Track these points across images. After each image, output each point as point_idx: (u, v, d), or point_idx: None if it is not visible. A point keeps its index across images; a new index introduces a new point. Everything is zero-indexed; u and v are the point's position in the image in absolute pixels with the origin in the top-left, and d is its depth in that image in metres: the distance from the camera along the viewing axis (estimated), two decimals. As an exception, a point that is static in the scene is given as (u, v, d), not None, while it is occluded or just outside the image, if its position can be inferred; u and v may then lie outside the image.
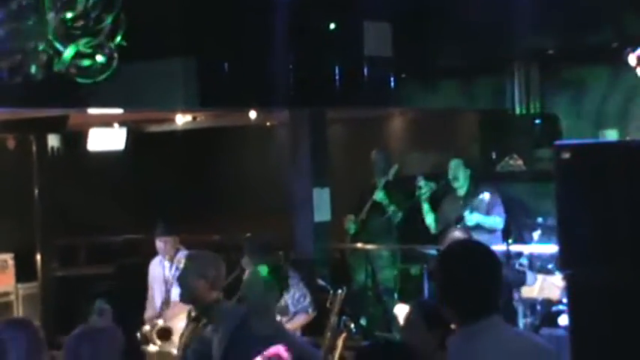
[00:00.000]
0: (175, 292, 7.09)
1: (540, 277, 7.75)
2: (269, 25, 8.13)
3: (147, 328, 7.05)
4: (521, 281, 7.08)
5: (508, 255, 7.78)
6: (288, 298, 6.55)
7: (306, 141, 9.37)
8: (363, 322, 8.99)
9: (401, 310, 6.03)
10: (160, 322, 7.03)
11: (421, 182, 8.59)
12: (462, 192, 8.45)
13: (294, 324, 6.54)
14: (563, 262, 5.05)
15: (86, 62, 6.08)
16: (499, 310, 3.00)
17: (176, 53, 7.91)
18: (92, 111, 8.25)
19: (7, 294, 9.49)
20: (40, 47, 5.80)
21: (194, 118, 10.55)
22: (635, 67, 5.26)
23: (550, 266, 7.96)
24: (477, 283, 2.99)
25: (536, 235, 8.43)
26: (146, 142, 11.49)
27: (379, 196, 8.92)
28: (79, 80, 6.15)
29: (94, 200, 11.13)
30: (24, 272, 9.53)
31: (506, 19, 9.25)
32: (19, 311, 9.53)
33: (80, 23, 5.94)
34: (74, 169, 10.65)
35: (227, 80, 8.29)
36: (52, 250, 9.47)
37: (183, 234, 7.64)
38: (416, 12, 9.50)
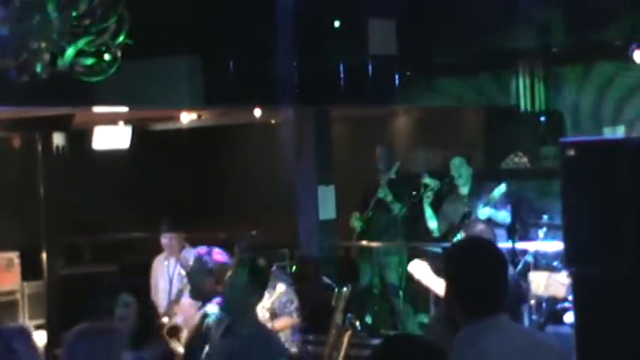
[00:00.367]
0: (176, 289, 7.12)
1: (546, 274, 7.75)
2: (274, 24, 8.13)
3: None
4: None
5: (513, 252, 7.79)
6: (276, 302, 6.59)
7: (310, 139, 9.38)
8: (368, 319, 8.99)
9: (416, 265, 6.01)
10: (166, 320, 7.02)
11: (426, 179, 8.58)
12: (465, 190, 8.45)
13: (276, 325, 6.57)
14: (569, 259, 5.05)
15: (89, 61, 6.09)
16: (505, 308, 3.00)
17: (181, 52, 7.91)
18: (97, 109, 8.26)
19: (12, 292, 9.51)
20: (45, 46, 5.80)
21: (199, 116, 10.56)
22: (641, 64, 5.25)
23: (555, 264, 7.95)
24: (483, 281, 3.00)
25: (541, 232, 8.42)
26: (151, 141, 11.50)
27: (383, 193, 8.91)
28: (83, 79, 6.16)
29: (99, 198, 11.14)
30: (29, 271, 9.55)
31: (511, 16, 9.25)
32: (24, 310, 9.55)
33: (83, 22, 5.95)
34: (79, 168, 10.65)
35: (232, 78, 8.30)
36: (58, 248, 9.47)
37: (189, 231, 7.65)
38: (420, 10, 9.50)
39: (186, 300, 6.37)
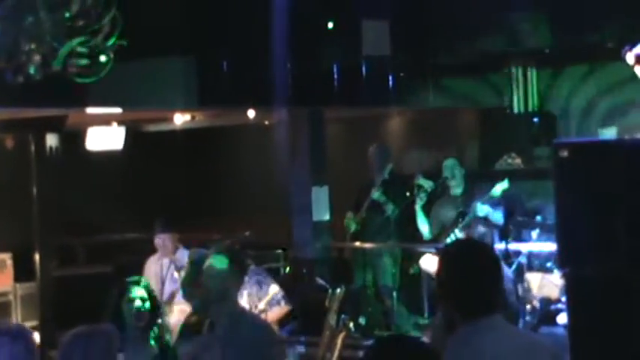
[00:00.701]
0: (169, 289, 7.11)
1: (539, 275, 7.76)
2: (267, 25, 8.13)
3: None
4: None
5: (507, 253, 7.80)
6: (262, 296, 6.61)
7: (304, 140, 9.38)
8: (362, 321, 8.99)
9: (427, 260, 6.01)
10: (159, 320, 7.01)
11: (420, 181, 8.59)
12: (458, 191, 8.46)
13: (269, 317, 6.58)
14: (562, 260, 5.06)
15: (82, 62, 6.09)
16: (499, 309, 3.01)
17: (175, 53, 7.91)
18: (91, 110, 8.25)
19: (5, 294, 9.48)
20: (37, 47, 5.80)
21: (192, 117, 10.55)
22: (633, 66, 5.27)
23: (549, 264, 7.96)
24: (477, 281, 3.01)
25: (534, 233, 8.43)
26: (145, 142, 11.49)
27: (377, 194, 8.90)
28: (76, 80, 6.15)
29: (92, 199, 11.12)
30: (22, 272, 9.52)
31: (504, 18, 9.26)
32: (17, 311, 9.53)
33: (76, 23, 5.94)
34: (73, 169, 10.63)
35: (226, 79, 8.29)
36: (51, 249, 9.45)
37: (183, 232, 7.65)
38: (414, 11, 9.51)
39: (179, 301, 6.38)
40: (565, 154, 4.88)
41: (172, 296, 7.02)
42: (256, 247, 9.44)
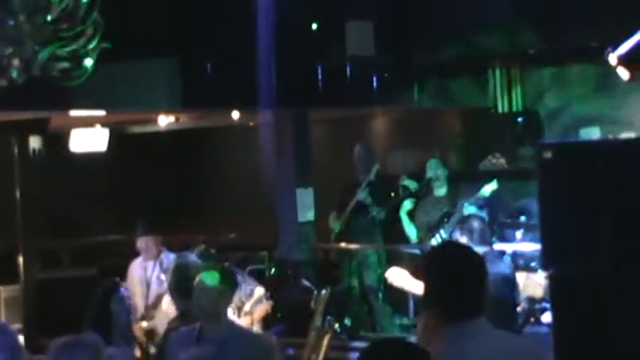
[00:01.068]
0: (154, 293, 7.09)
1: (524, 275, 7.78)
2: (252, 26, 8.13)
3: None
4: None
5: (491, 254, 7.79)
6: (242, 296, 6.60)
7: (289, 141, 9.38)
8: (347, 322, 8.99)
9: (393, 272, 6.04)
10: (145, 324, 7.01)
11: (406, 181, 8.60)
12: (442, 192, 8.47)
13: (255, 317, 6.58)
14: (546, 261, 5.07)
15: (64, 65, 6.07)
16: (484, 312, 3.01)
17: (159, 54, 7.89)
18: (75, 113, 8.21)
19: (-11, 297, 9.44)
20: (18, 51, 5.78)
21: (177, 119, 10.53)
22: (616, 67, 5.30)
23: (533, 264, 7.99)
24: (463, 285, 3.01)
25: (519, 233, 8.46)
26: (129, 143, 11.45)
27: (362, 196, 8.90)
28: (57, 83, 6.14)
29: (76, 202, 11.08)
30: (6, 274, 9.47)
31: (488, 18, 9.29)
32: (0, 314, 9.48)
33: (58, 26, 5.92)
34: (56, 171, 10.58)
35: (210, 81, 8.28)
36: (34, 252, 9.41)
37: (167, 234, 7.62)
38: (398, 11, 9.53)
39: (166, 304, 6.36)
40: (549, 155, 4.88)
41: (158, 299, 7.00)
42: (241, 248, 9.45)
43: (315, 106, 9.37)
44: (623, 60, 5.22)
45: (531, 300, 7.57)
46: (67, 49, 5.91)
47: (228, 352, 4.49)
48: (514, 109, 10.22)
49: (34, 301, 9.17)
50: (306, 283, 8.21)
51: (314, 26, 9.08)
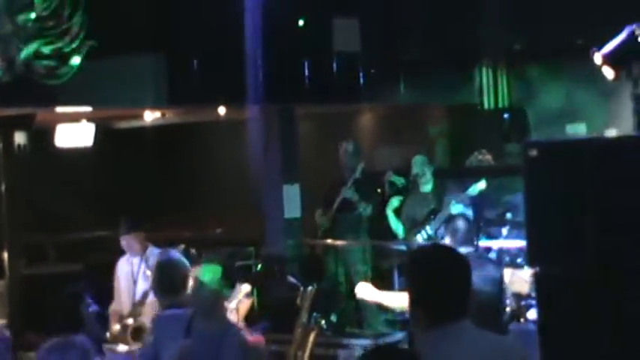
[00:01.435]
0: (141, 289, 7.07)
1: (509, 271, 7.80)
2: (238, 22, 8.12)
3: (117, 327, 6.98)
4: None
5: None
6: (240, 301, 6.61)
7: (276, 137, 9.37)
8: (333, 318, 9.00)
9: (362, 288, 6.06)
10: (131, 322, 6.98)
11: (392, 178, 8.61)
12: (427, 188, 8.48)
13: (241, 312, 6.58)
14: (532, 258, 5.09)
15: (48, 63, 6.05)
16: (468, 315, 3.02)
17: (145, 50, 7.86)
18: (61, 110, 8.19)
19: (-26, 292, 9.40)
20: (4, 48, 5.75)
21: (163, 114, 10.50)
22: (601, 66, 5.31)
23: (519, 260, 8.01)
24: (447, 286, 3.01)
25: (505, 230, 8.48)
26: (115, 139, 11.41)
27: (350, 192, 8.90)
28: (40, 80, 6.11)
29: (62, 197, 11.04)
30: (-9, 270, 9.44)
31: (474, 14, 9.31)
32: (-14, 309, 9.44)
33: (42, 24, 5.90)
34: (42, 166, 10.54)
35: (196, 77, 8.27)
36: (20, 247, 9.37)
37: (154, 230, 7.60)
38: (384, 8, 9.53)
39: (152, 300, 6.35)
40: (534, 153, 4.90)
41: (145, 295, 6.98)
42: (228, 244, 9.44)
43: (301, 102, 9.37)
44: (608, 59, 5.23)
45: (517, 297, 7.60)
46: (52, 47, 5.88)
47: (218, 349, 4.49)
48: (500, 105, 10.25)
49: (19, 297, 9.14)
50: (292, 279, 8.20)
51: (300, 22, 9.08)
